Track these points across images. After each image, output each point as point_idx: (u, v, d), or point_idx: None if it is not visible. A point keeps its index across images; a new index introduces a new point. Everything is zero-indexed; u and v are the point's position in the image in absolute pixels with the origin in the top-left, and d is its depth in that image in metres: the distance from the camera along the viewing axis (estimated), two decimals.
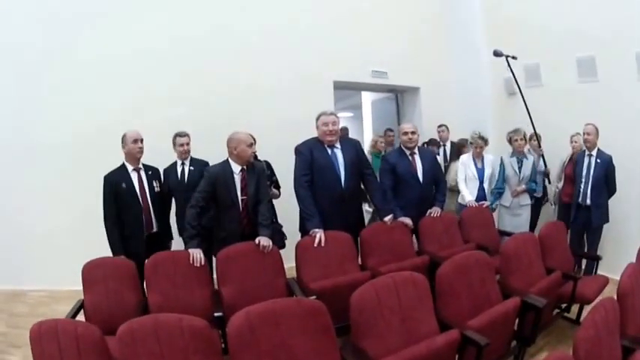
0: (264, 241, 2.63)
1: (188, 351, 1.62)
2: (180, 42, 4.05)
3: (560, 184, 3.97)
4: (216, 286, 2.62)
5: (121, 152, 2.93)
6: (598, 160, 3.54)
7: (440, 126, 5.02)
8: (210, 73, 4.16)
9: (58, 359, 1.62)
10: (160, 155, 3.31)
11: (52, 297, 3.59)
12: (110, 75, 3.84)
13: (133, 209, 2.87)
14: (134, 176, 2.92)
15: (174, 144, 3.37)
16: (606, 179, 3.54)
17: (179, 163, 3.38)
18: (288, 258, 2.81)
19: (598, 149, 3.56)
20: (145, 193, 2.95)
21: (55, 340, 1.63)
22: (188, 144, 3.36)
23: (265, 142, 3.65)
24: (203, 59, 4.14)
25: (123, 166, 2.92)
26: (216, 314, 2.29)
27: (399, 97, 6.01)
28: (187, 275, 2.53)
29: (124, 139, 2.89)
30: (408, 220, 3.13)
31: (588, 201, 3.57)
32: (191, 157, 3.40)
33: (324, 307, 1.81)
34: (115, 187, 2.83)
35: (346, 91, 5.84)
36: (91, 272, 2.46)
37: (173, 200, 3.36)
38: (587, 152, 3.60)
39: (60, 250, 3.61)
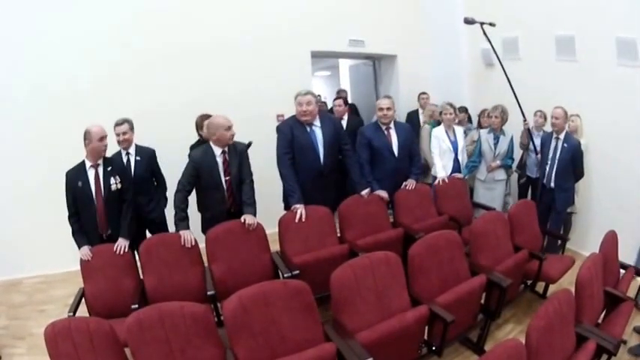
0: (249, 219, 2.79)
1: (190, 334, 1.82)
2: (156, 22, 3.99)
3: None
4: (206, 264, 2.78)
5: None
6: (565, 145, 3.50)
7: (422, 93, 5.09)
8: (186, 51, 4.14)
9: (74, 356, 1.77)
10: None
11: (47, 282, 3.68)
12: (91, 64, 3.82)
13: (88, 209, 2.74)
14: (91, 174, 2.74)
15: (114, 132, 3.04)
16: (573, 164, 3.52)
17: (123, 153, 3.10)
18: (270, 224, 2.98)
19: (566, 133, 3.54)
20: (100, 192, 2.74)
21: (70, 340, 1.77)
22: (125, 133, 3.04)
23: (244, 114, 3.68)
24: (178, 38, 4.10)
25: (82, 163, 2.76)
26: (209, 293, 2.50)
27: (377, 63, 6.05)
28: (179, 256, 2.68)
29: (87, 135, 2.68)
30: (383, 193, 3.30)
31: (552, 183, 3.58)
32: (136, 146, 3.14)
33: (307, 287, 2.01)
34: (73, 185, 2.72)
35: None
36: (89, 262, 2.59)
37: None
38: (554, 135, 3.57)
39: (49, 235, 3.65)
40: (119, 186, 2.80)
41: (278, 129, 3.16)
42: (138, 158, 3.12)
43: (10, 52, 3.58)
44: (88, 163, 2.75)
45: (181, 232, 2.71)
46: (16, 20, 3.57)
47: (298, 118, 3.10)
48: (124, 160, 3.10)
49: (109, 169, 2.79)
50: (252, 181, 2.97)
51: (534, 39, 4.30)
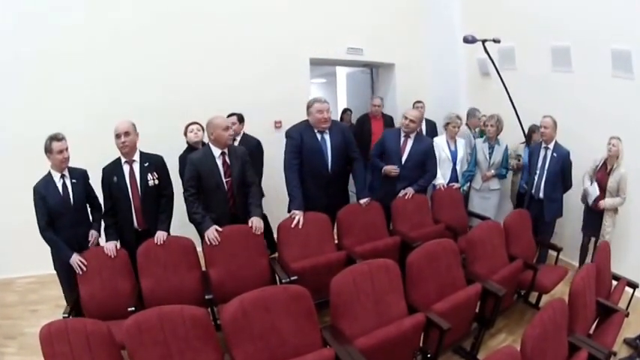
0: (256, 222, 2.82)
1: (189, 337, 1.81)
2: (154, 25, 3.98)
3: (589, 185, 3.49)
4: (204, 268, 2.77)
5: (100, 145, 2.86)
6: (554, 154, 3.47)
7: (417, 102, 5.04)
8: (186, 56, 4.14)
9: (70, 357, 1.76)
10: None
11: (40, 282, 3.63)
12: (87, 63, 3.79)
13: (123, 204, 2.78)
14: (126, 169, 2.77)
15: (49, 150, 2.56)
16: (562, 174, 3.48)
17: (56, 176, 2.64)
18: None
19: (556, 142, 3.51)
20: (137, 187, 2.77)
21: (66, 340, 1.76)
22: (67, 149, 2.62)
23: (245, 121, 3.80)
24: (179, 41, 4.09)
25: (119, 158, 2.80)
26: (207, 297, 2.50)
27: (374, 71, 6.09)
28: (177, 260, 2.68)
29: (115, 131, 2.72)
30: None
31: (541, 194, 3.54)
32: (68, 168, 2.71)
33: (307, 292, 2.03)
34: (109, 180, 2.76)
35: None
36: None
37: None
38: (543, 144, 3.55)
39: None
40: (157, 182, 2.82)
41: (287, 134, 3.18)
42: (74, 181, 2.70)
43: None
44: (123, 159, 2.78)
45: (206, 233, 2.70)
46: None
47: (316, 124, 3.11)
48: (59, 185, 2.64)
49: (147, 164, 2.81)
50: (258, 184, 3.01)
51: (530, 49, 4.31)
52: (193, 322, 1.83)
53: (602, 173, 3.42)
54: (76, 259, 2.54)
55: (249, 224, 2.80)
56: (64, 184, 2.65)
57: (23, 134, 3.57)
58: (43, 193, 2.57)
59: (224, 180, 2.87)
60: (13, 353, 2.77)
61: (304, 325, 1.98)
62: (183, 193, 2.82)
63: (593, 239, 3.59)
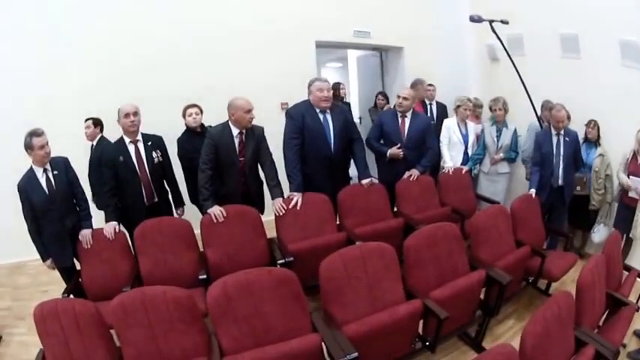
0: (276, 206, 2.89)
1: (173, 319, 1.80)
2: (157, 6, 3.98)
3: (627, 179, 3.31)
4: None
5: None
6: (567, 139, 3.37)
7: (429, 85, 4.91)
8: (190, 39, 4.14)
9: (62, 336, 1.79)
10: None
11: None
12: (94, 55, 3.86)
13: (132, 182, 2.84)
14: (131, 149, 2.84)
15: (29, 147, 2.46)
16: (574, 155, 3.42)
17: (39, 171, 2.55)
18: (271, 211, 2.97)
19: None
20: (144, 164, 2.87)
21: (57, 320, 1.79)
22: (48, 143, 2.52)
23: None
24: (182, 26, 4.10)
25: (121, 139, 2.85)
26: (200, 277, 2.49)
27: (384, 54, 5.94)
28: (175, 240, 2.68)
29: (118, 112, 2.80)
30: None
31: (560, 182, 3.41)
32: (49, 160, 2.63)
33: (294, 275, 1.98)
34: (114, 160, 2.79)
35: None
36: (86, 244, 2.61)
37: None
38: (554, 132, 3.38)
39: None
40: (160, 159, 2.97)
41: (288, 114, 3.10)
42: (55, 172, 2.61)
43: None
44: (127, 139, 2.85)
45: (209, 211, 2.72)
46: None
47: (317, 103, 3.03)
48: (42, 181, 2.55)
49: (149, 143, 2.93)
50: (272, 162, 3.00)
51: (539, 36, 4.21)
52: (176, 304, 1.81)
53: (634, 165, 3.33)
54: (88, 233, 2.65)
55: (273, 208, 2.89)
56: (47, 178, 2.57)
57: (37, 118, 3.65)
58: (28, 190, 2.52)
59: (238, 159, 2.89)
60: (22, 333, 2.85)
61: (291, 310, 1.93)
62: (199, 166, 2.83)
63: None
